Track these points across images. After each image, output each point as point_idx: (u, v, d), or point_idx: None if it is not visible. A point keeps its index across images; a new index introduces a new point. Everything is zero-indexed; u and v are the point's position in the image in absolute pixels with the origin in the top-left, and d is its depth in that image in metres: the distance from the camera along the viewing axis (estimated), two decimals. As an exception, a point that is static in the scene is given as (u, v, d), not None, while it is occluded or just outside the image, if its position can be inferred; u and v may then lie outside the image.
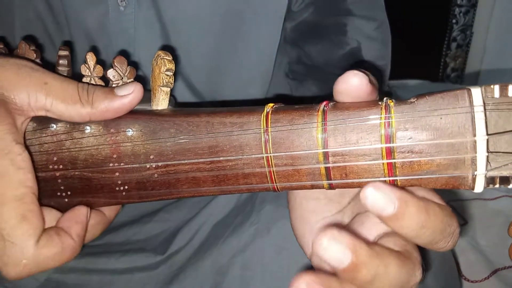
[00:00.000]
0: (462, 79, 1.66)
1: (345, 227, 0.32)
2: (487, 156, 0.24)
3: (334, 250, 0.22)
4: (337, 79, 0.27)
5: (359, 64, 0.60)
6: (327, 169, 0.27)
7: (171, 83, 0.32)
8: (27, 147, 0.31)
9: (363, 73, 0.27)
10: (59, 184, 0.33)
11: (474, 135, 0.24)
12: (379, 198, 0.23)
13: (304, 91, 0.62)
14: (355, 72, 0.27)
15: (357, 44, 0.60)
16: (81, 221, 0.31)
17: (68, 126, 0.32)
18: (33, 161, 0.31)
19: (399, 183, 0.26)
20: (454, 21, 1.58)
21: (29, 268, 0.29)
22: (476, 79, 1.63)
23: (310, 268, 0.28)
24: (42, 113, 0.31)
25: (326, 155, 0.27)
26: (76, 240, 0.31)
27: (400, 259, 0.25)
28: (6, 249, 0.28)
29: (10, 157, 0.29)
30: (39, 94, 0.31)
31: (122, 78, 0.33)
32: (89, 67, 0.33)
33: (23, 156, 0.30)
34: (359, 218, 0.30)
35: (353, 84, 0.27)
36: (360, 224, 0.30)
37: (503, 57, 1.54)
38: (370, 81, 0.27)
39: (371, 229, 0.29)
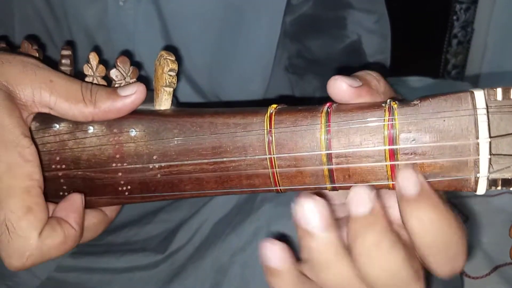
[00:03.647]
0: (463, 76, 1.66)
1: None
2: (490, 159, 0.24)
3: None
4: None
5: (359, 59, 0.59)
6: (330, 170, 0.27)
7: (174, 83, 0.32)
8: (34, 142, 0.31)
9: (342, 78, 0.27)
10: (62, 184, 0.33)
11: (477, 138, 0.24)
12: (411, 177, 0.24)
13: (304, 86, 0.62)
14: (335, 77, 0.27)
15: (357, 37, 0.60)
16: (77, 209, 0.31)
17: (71, 126, 0.32)
18: None
19: None
20: (455, 17, 1.58)
21: (33, 259, 0.29)
22: (477, 76, 1.63)
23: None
24: (45, 110, 0.32)
25: (329, 156, 0.27)
26: (77, 228, 0.31)
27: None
28: (11, 241, 0.29)
29: (19, 150, 0.29)
30: (44, 91, 0.31)
31: (125, 78, 0.33)
32: (92, 67, 0.33)
33: (31, 149, 0.30)
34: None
35: (338, 89, 0.27)
36: None
37: (504, 53, 1.54)
38: (353, 84, 0.27)
39: None
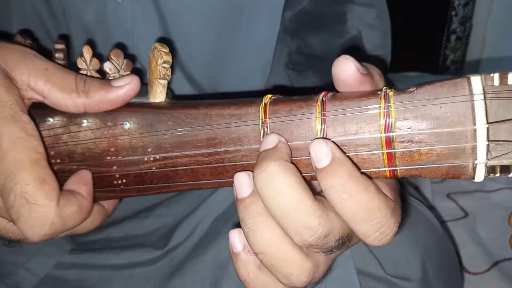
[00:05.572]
0: (462, 72, 1.66)
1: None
2: (487, 145, 0.24)
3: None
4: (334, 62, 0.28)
5: (359, 54, 0.59)
6: None
7: (168, 76, 0.32)
8: None
9: (352, 60, 0.27)
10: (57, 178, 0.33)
11: (474, 124, 0.24)
12: (321, 149, 0.25)
13: (304, 82, 0.62)
14: (346, 56, 0.27)
15: (357, 32, 0.59)
16: (87, 182, 0.32)
17: (65, 119, 0.32)
18: None
19: (399, 173, 0.26)
20: (453, 13, 1.58)
21: (55, 227, 0.30)
22: (475, 72, 1.62)
23: None
24: (39, 98, 0.32)
25: None
26: (89, 199, 0.32)
27: None
28: (31, 212, 0.29)
29: (21, 125, 0.29)
30: (39, 79, 0.31)
31: (119, 71, 0.33)
32: (86, 60, 0.33)
33: (31, 124, 0.30)
34: None
35: (345, 69, 0.27)
36: None
37: (502, 49, 1.54)
38: (360, 70, 0.27)
39: None
